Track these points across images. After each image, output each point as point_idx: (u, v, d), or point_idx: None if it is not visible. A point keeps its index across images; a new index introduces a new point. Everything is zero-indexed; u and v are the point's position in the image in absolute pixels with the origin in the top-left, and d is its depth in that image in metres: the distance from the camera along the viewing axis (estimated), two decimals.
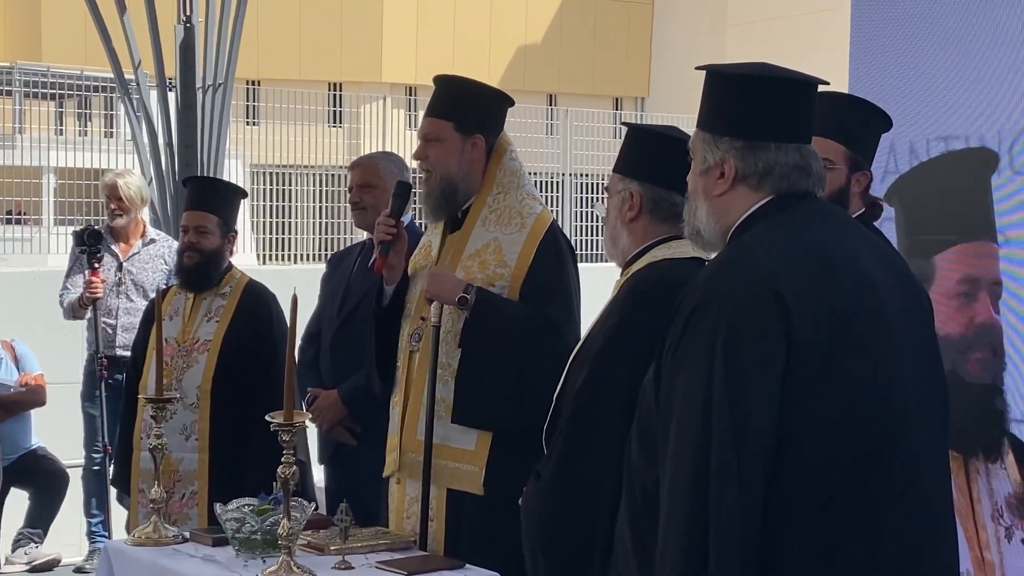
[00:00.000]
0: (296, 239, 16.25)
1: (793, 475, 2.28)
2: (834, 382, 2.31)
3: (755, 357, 2.29)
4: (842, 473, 2.30)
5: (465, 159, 3.78)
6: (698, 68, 2.61)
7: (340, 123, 18.97)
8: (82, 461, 6.79)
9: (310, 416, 4.39)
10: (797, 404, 2.29)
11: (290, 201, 16.42)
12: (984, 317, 3.92)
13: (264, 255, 15.96)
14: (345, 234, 15.87)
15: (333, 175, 16.36)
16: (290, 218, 16.37)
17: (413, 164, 5.01)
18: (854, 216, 3.37)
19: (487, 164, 3.82)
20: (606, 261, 3.85)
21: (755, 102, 2.49)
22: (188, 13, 8.51)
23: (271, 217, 16.17)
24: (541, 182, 16.93)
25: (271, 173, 16.53)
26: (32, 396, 6.89)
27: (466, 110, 3.81)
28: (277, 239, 16.12)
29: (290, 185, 16.48)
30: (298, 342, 4.63)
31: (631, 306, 3.14)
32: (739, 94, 2.51)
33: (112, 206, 6.60)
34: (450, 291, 3.64)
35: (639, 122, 3.42)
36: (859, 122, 3.51)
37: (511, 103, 3.96)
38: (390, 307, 3.88)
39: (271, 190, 16.26)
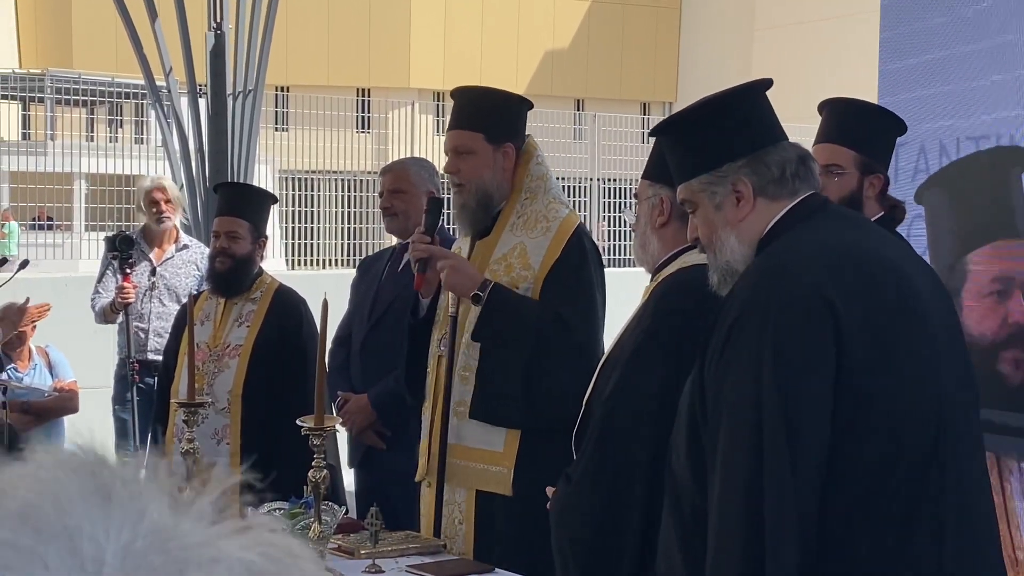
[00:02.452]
0: (325, 244, 16.31)
1: (853, 477, 2.29)
2: (887, 383, 2.32)
3: (804, 362, 2.29)
4: (904, 472, 2.32)
5: (498, 168, 3.80)
6: (651, 133, 2.71)
7: (368, 129, 19.04)
8: None
9: (340, 420, 4.42)
10: (852, 406, 2.29)
11: (319, 207, 16.49)
12: (1018, 316, 3.91)
13: (293, 260, 16.03)
14: (374, 239, 15.92)
15: (362, 180, 16.42)
16: (319, 223, 16.43)
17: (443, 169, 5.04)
18: (873, 219, 3.40)
19: (515, 169, 3.84)
20: (635, 266, 3.85)
21: (738, 120, 2.53)
22: (218, 20, 8.55)
23: (300, 222, 16.24)
24: (569, 187, 16.92)
25: (300, 179, 16.60)
26: (64, 403, 6.93)
27: (494, 119, 3.82)
28: (306, 244, 16.18)
29: (319, 191, 16.55)
30: (328, 346, 4.65)
31: (661, 311, 3.14)
32: (719, 122, 2.55)
33: (161, 208, 6.59)
34: (466, 287, 3.66)
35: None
36: (867, 126, 3.54)
37: (530, 106, 3.98)
38: (425, 318, 3.91)
39: (300, 195, 16.33)
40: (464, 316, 3.73)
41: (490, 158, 3.79)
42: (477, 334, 3.66)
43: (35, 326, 6.91)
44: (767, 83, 2.60)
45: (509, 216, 3.81)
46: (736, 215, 2.49)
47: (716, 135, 2.53)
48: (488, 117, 3.82)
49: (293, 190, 16.38)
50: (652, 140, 3.43)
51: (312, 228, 16.38)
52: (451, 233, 4.78)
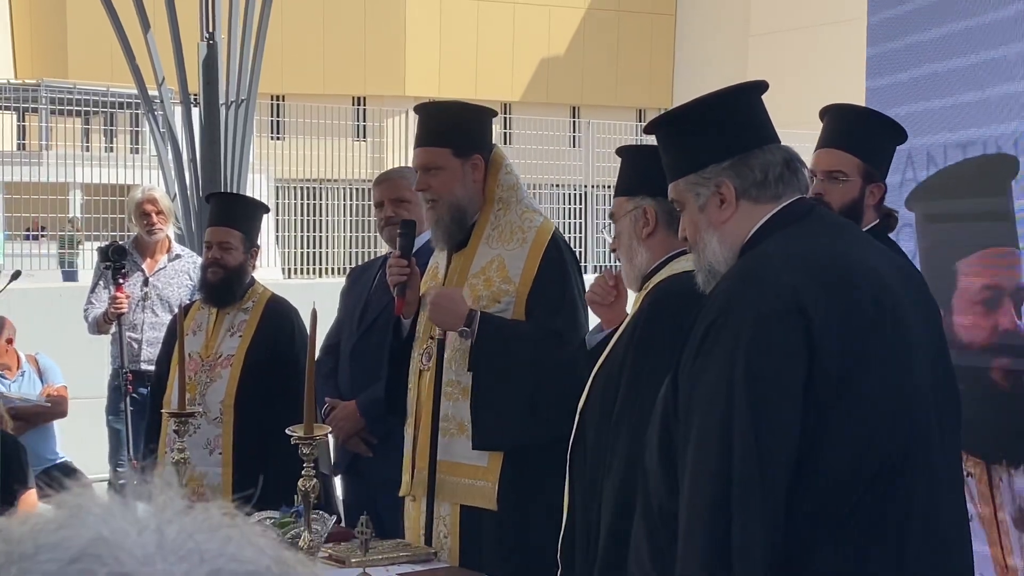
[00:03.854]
0: (321, 253, 16.31)
1: (820, 485, 2.29)
2: (859, 393, 2.31)
3: (777, 369, 2.29)
4: (867, 483, 2.31)
5: (468, 181, 3.81)
6: (645, 131, 2.67)
7: (364, 137, 19.04)
8: (107, 475, 6.83)
9: (330, 429, 4.41)
10: (822, 415, 2.29)
11: (315, 215, 16.48)
12: (1008, 324, 3.90)
13: (290, 269, 16.03)
14: (371, 247, 15.92)
15: (358, 189, 16.42)
16: (315, 232, 16.43)
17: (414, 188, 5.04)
18: (868, 227, 3.39)
19: (485, 180, 3.85)
20: None
21: (724, 122, 2.53)
22: (211, 30, 8.57)
23: (296, 231, 16.24)
24: (565, 194, 16.93)
25: (296, 187, 16.61)
26: (53, 408, 6.94)
27: (459, 132, 3.83)
28: (303, 253, 16.18)
29: (315, 199, 16.55)
30: (317, 354, 4.65)
31: (655, 318, 3.12)
32: (706, 123, 2.55)
33: (152, 220, 6.61)
34: (452, 323, 3.68)
35: (633, 143, 3.47)
36: (872, 135, 3.54)
37: (494, 114, 4.01)
38: (407, 340, 3.92)
39: (296, 204, 16.33)
40: (449, 335, 3.75)
41: (459, 172, 3.79)
42: (472, 366, 3.67)
43: (10, 339, 6.94)
44: (760, 85, 2.59)
45: (484, 228, 3.82)
46: (719, 217, 2.49)
47: (703, 135, 2.53)
48: (453, 131, 3.83)
49: (290, 199, 16.38)
50: (622, 159, 3.43)
51: (308, 237, 16.37)
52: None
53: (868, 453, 2.31)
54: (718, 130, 2.53)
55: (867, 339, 2.33)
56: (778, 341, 2.30)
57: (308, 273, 16.08)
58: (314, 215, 16.46)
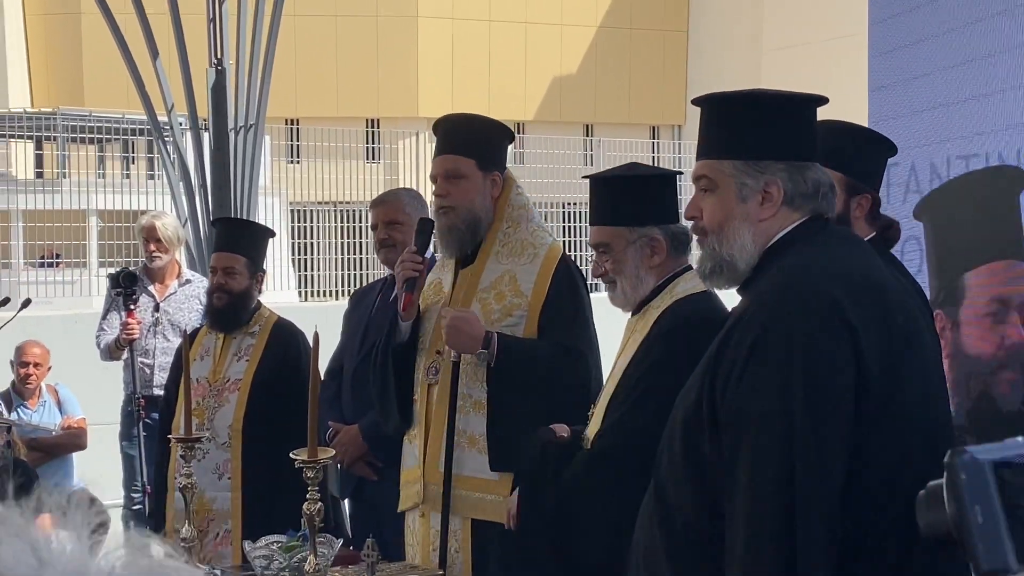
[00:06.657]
0: (338, 275, 16.34)
1: (861, 502, 2.29)
2: (899, 407, 2.32)
3: (833, 382, 2.28)
4: (904, 501, 2.30)
5: (486, 195, 3.85)
6: (697, 102, 2.57)
7: (377, 159, 19.09)
8: (122, 501, 6.84)
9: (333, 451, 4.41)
10: (868, 429, 2.29)
11: (331, 237, 16.52)
12: (1015, 338, 3.89)
13: (306, 292, 16.06)
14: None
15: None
16: (331, 254, 16.46)
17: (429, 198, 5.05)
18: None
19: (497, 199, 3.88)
20: None
21: (790, 123, 2.49)
22: (219, 56, 8.61)
23: (313, 254, 16.27)
24: (579, 212, 16.92)
25: (312, 211, 16.65)
26: (72, 439, 6.97)
27: (486, 147, 3.89)
28: (319, 275, 16.20)
29: (332, 222, 16.59)
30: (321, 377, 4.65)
31: (674, 342, 3.11)
32: (773, 117, 2.49)
33: (151, 247, 6.64)
34: (471, 346, 3.68)
35: (608, 173, 3.47)
36: (854, 148, 3.52)
37: (513, 138, 4.06)
38: (408, 343, 3.92)
39: (313, 227, 16.37)
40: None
41: (480, 184, 3.84)
42: (493, 388, 3.68)
43: (50, 367, 6.98)
44: (822, 99, 2.57)
45: (492, 244, 3.85)
46: (759, 214, 2.44)
47: (768, 127, 2.47)
48: (480, 145, 3.88)
49: (306, 222, 16.43)
50: (611, 188, 3.41)
51: (324, 259, 16.41)
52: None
53: (905, 471, 2.30)
54: (783, 128, 2.48)
55: (900, 354, 2.33)
56: (831, 354, 2.29)
57: (325, 295, 16.11)
58: (330, 237, 16.50)
